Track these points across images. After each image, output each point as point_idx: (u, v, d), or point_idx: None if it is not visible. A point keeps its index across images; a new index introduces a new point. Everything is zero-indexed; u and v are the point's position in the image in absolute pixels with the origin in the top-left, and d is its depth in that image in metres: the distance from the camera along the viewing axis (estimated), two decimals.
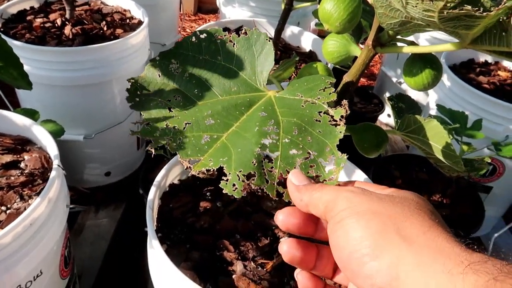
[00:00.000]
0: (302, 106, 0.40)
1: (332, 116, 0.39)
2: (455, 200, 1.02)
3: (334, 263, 0.38)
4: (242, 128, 0.39)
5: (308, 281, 0.38)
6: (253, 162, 0.36)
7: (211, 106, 0.42)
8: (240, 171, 0.36)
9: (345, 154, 0.38)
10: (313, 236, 0.38)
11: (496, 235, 0.87)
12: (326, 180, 0.37)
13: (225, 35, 0.47)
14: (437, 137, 0.57)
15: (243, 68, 0.46)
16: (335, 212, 0.32)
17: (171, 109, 0.43)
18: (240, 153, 0.37)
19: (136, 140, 1.28)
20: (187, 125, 0.40)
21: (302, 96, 0.41)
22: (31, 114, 0.90)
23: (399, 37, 0.51)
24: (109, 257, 1.08)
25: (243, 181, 0.35)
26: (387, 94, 1.69)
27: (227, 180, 0.36)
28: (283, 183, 0.37)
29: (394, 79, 1.57)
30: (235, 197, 0.34)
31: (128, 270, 1.10)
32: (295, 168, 0.37)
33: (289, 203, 0.37)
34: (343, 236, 0.31)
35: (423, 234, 0.29)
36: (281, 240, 0.36)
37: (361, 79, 2.59)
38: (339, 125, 0.38)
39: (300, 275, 0.38)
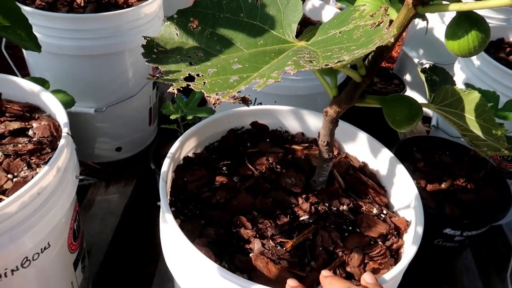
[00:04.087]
0: (338, 35, 0.36)
1: (373, 23, 0.35)
2: (480, 185, 0.97)
3: None
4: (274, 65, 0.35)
5: None
6: (288, 63, 0.33)
7: (237, 56, 0.38)
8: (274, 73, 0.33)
9: None
10: None
11: None
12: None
13: None
14: (478, 111, 0.52)
15: (268, 23, 0.42)
16: None
17: (192, 64, 0.39)
18: (273, 68, 0.33)
19: (148, 115, 1.24)
20: (212, 71, 0.36)
21: (336, 30, 0.37)
22: (41, 82, 0.87)
23: None
24: (119, 233, 1.06)
25: (274, 76, 0.32)
26: (408, 76, 1.62)
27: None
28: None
29: (416, 60, 1.50)
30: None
31: (138, 247, 1.08)
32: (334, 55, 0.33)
33: None
34: None
35: None
36: None
37: None
38: (382, 22, 0.35)
39: None
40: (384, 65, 2.14)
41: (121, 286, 0.99)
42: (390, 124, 0.56)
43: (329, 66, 0.30)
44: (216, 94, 0.33)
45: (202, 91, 0.34)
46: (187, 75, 0.38)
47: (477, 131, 0.53)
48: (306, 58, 0.33)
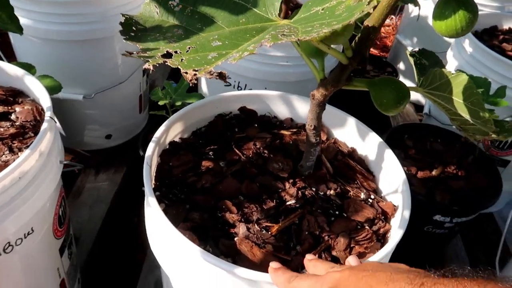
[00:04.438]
0: (321, 12, 0.35)
1: None
2: (471, 172, 0.97)
3: None
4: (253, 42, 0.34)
5: None
6: (266, 37, 0.32)
7: (218, 33, 0.37)
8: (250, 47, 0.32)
9: None
10: None
11: None
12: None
13: None
14: (466, 94, 0.51)
15: (251, 1, 0.41)
16: None
17: (171, 42, 0.38)
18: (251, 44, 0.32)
19: (138, 103, 1.23)
20: (190, 48, 0.35)
21: (319, 7, 0.36)
22: (27, 68, 0.85)
23: None
24: (108, 220, 1.05)
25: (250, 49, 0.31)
26: (401, 64, 1.61)
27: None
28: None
29: (410, 48, 1.49)
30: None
31: (127, 234, 1.07)
32: (314, 29, 0.32)
33: None
34: None
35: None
36: None
37: (373, 50, 2.47)
38: None
39: None
40: (378, 54, 2.13)
41: (110, 273, 0.98)
42: (377, 107, 0.55)
43: (307, 39, 0.29)
44: (193, 70, 0.32)
45: (179, 67, 0.33)
46: (165, 53, 0.37)
47: (465, 114, 0.53)
48: (285, 33, 0.32)
